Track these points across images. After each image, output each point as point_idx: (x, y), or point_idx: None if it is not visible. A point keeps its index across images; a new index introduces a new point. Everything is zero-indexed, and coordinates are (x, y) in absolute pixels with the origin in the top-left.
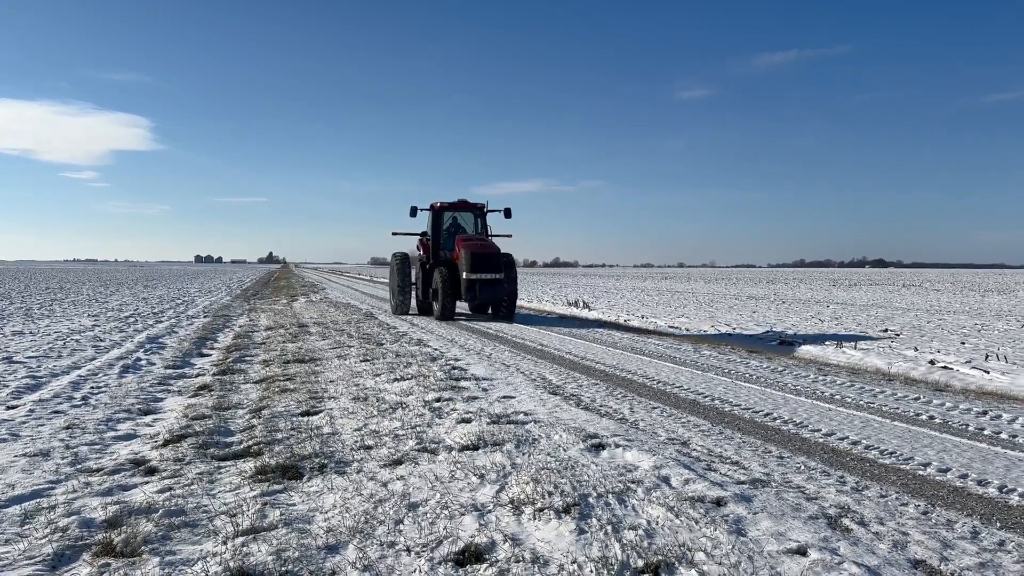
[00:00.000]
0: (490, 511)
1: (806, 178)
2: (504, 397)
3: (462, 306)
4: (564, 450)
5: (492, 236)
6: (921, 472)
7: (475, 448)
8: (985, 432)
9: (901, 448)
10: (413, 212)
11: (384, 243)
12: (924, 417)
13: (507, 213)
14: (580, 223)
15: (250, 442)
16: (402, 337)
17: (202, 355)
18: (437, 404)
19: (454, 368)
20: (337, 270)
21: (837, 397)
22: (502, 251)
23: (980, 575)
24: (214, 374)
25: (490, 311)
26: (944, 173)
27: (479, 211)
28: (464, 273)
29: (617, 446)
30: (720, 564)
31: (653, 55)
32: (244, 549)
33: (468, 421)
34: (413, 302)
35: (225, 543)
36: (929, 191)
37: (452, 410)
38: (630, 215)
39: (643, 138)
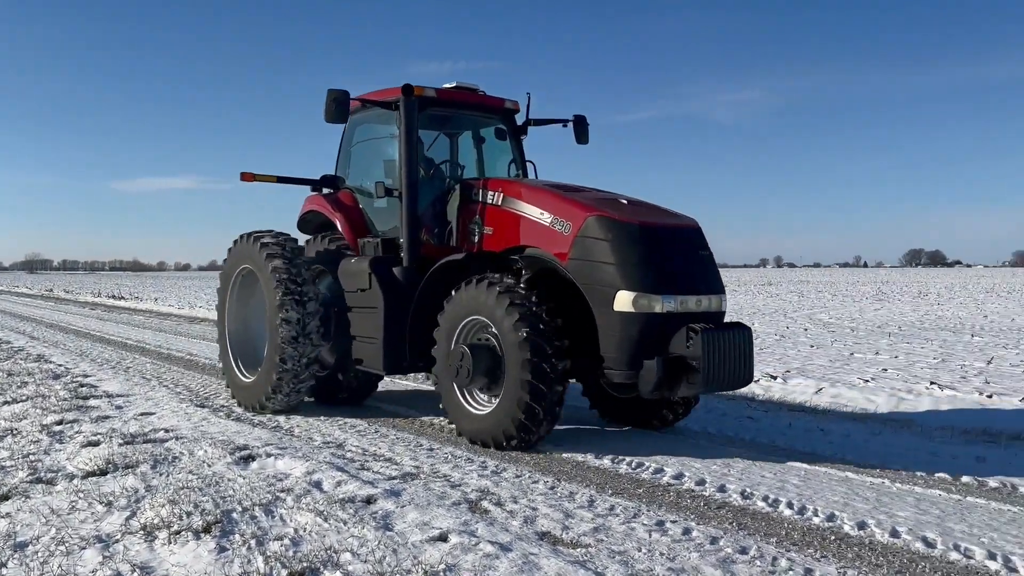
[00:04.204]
0: (117, 541)
1: None
2: (143, 414)
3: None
4: (209, 466)
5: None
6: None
7: (103, 473)
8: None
9: None
10: (338, 111)
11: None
12: None
13: (580, 127)
14: (240, 223)
15: None
16: (17, 353)
17: None
18: (58, 428)
19: (82, 385)
20: None
21: None
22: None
23: (594, 538)
24: None
25: (663, 416)
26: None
27: (502, 117)
28: (624, 299)
29: (269, 455)
30: (366, 562)
31: (320, 56)
32: None
33: (96, 444)
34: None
35: None
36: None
37: (77, 433)
38: (288, 217)
39: (313, 138)
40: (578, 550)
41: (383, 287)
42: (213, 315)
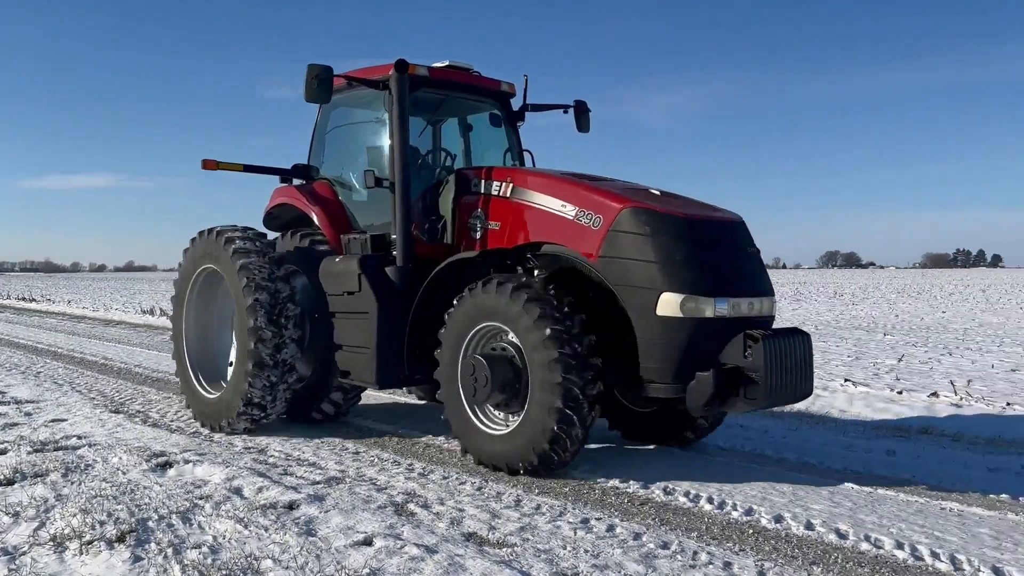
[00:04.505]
0: (24, 553)
1: None
2: (54, 421)
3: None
4: (124, 473)
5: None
6: (446, 446)
7: (10, 483)
8: None
9: None
10: (320, 89)
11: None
12: None
13: (580, 113)
14: (161, 223)
15: None
16: None
17: None
18: None
19: None
20: None
21: None
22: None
23: (520, 537)
24: None
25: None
26: None
27: (497, 101)
28: (669, 302)
29: (187, 462)
30: (287, 568)
31: (237, 54)
32: None
33: (2, 452)
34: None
35: None
36: None
37: None
38: (216, 216)
39: (234, 135)
40: (504, 550)
41: (375, 289)
42: (130, 318)
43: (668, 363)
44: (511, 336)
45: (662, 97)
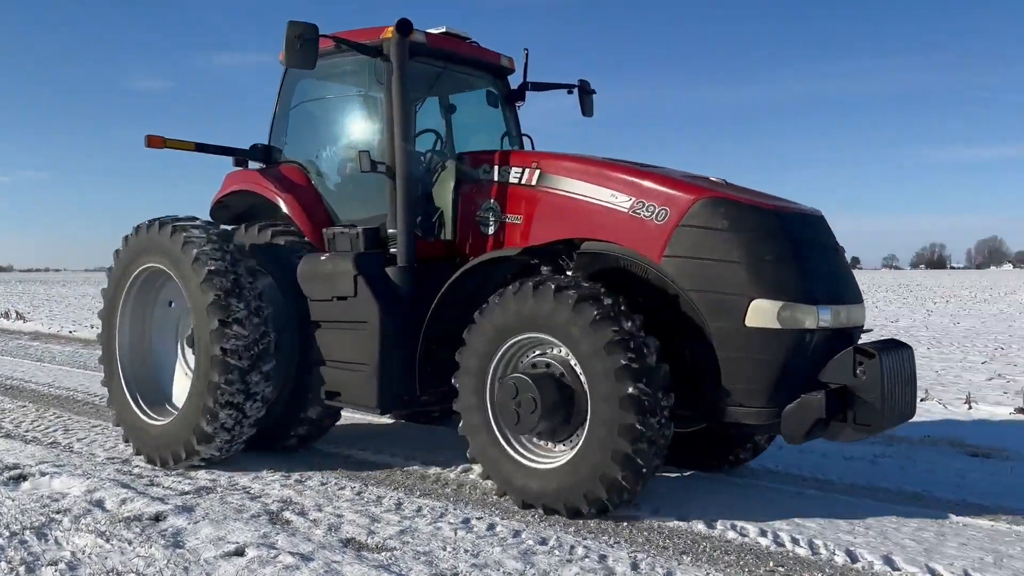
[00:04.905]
0: None
1: None
2: None
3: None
4: None
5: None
6: (326, 449)
7: None
8: None
9: None
10: (304, 52)
11: None
12: None
13: (584, 94)
14: (18, 220)
15: None
16: None
17: None
18: None
19: None
20: None
21: None
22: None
23: (400, 540)
24: None
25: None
26: None
27: (496, 78)
28: (763, 310)
29: (43, 474)
30: None
31: (102, 45)
32: None
33: None
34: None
35: None
36: None
37: None
38: (81, 212)
39: (96, 127)
40: (383, 554)
41: (377, 295)
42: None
43: (760, 383)
44: (557, 350)
45: None
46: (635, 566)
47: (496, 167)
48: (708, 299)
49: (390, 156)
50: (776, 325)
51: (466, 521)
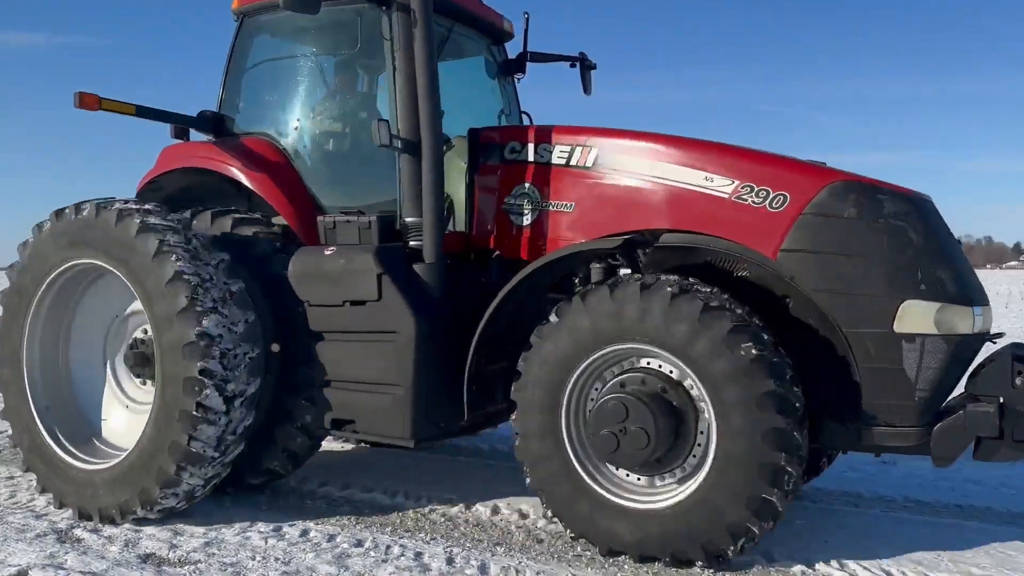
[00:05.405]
0: None
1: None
2: None
3: None
4: None
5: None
6: None
7: None
8: None
9: None
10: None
11: None
12: None
13: (585, 69)
14: None
15: None
16: None
17: None
18: None
19: None
20: None
21: None
22: None
23: (205, 553)
24: None
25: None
26: None
27: (494, 43)
28: (917, 313)
29: None
30: None
31: None
32: None
33: None
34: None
35: None
36: None
37: None
38: None
39: None
40: (186, 567)
41: (409, 298)
42: None
43: (913, 399)
44: (659, 366)
45: None
46: (450, 560)
47: (531, 145)
48: (843, 301)
49: (406, 129)
50: (933, 331)
51: (277, 528)
